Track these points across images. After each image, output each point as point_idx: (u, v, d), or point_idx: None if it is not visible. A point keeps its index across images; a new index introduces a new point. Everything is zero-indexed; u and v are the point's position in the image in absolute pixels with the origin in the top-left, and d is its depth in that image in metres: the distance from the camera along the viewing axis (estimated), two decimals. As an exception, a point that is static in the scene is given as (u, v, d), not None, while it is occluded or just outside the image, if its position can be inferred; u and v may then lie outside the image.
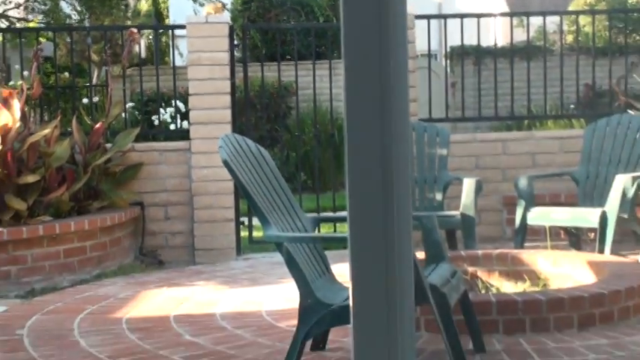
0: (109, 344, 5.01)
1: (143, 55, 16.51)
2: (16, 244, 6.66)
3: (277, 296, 5.88)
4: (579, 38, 12.65)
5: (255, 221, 7.80)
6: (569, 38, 18.28)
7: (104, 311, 5.82)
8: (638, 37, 16.30)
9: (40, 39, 9.36)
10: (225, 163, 4.46)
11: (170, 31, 13.13)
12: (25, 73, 8.37)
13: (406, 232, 1.86)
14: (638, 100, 8.89)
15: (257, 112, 11.78)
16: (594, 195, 7.13)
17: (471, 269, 5.88)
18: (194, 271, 7.30)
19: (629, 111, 8.18)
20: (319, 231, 5.62)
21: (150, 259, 7.70)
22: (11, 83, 7.90)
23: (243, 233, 8.24)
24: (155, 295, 6.29)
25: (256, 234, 7.96)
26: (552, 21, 11.99)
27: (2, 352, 4.91)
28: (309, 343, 4.56)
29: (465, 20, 8.92)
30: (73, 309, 5.86)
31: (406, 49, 1.72)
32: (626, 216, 6.73)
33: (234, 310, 5.75)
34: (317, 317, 4.31)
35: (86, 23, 11.84)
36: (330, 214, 8.57)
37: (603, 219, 6.62)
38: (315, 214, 6.50)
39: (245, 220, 8.24)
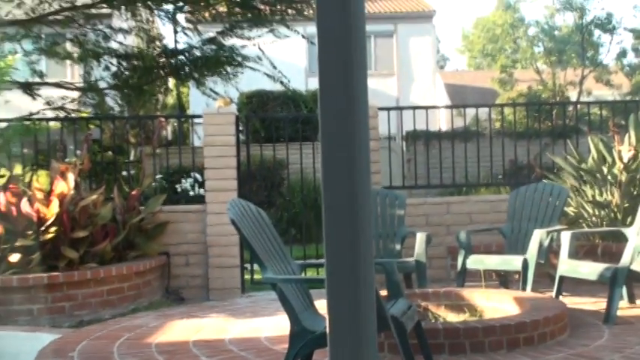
0: (141, 364, 4.97)
1: (169, 137, 16.56)
2: (69, 285, 6.62)
3: (273, 325, 5.85)
4: (504, 125, 12.79)
5: (256, 267, 7.80)
6: (497, 124, 18.50)
7: (138, 337, 5.76)
8: (549, 124, 16.49)
9: (90, 126, 9.40)
10: (232, 222, 4.48)
11: (190, 119, 13.21)
12: (78, 152, 8.39)
13: (370, 272, 1.87)
14: (550, 172, 8.96)
15: (257, 182, 11.81)
16: (518, 245, 7.15)
17: (423, 303, 5.88)
18: (208, 305, 7.26)
19: (544, 180, 8.24)
20: (305, 274, 5.62)
21: (174, 297, 7.66)
22: (67, 160, 7.89)
23: (247, 276, 8.22)
24: (178, 324, 6.24)
25: (256, 277, 7.94)
26: (483, 111, 12.15)
27: (57, 370, 4.86)
28: (297, 362, 4.54)
29: (417, 111, 9.03)
30: (114, 336, 5.81)
31: (367, 131, 1.74)
32: (542, 261, 6.75)
33: (239, 336, 5.71)
34: (303, 341, 4.30)
35: (125, 114, 11.89)
36: (314, 260, 8.56)
37: (525, 264, 6.64)
38: (302, 261, 6.49)
39: (248, 266, 8.23)
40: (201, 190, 8.82)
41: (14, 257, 6.51)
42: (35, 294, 6.48)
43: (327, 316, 1.87)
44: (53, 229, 6.69)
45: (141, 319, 6.47)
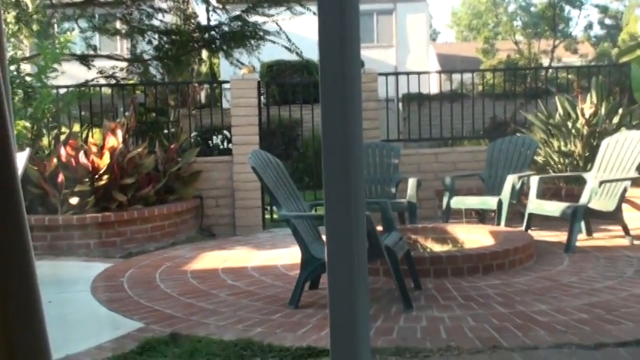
0: (179, 286, 5.03)
1: (203, 100, 16.50)
2: (120, 223, 6.68)
3: (288, 256, 5.91)
4: (485, 88, 12.65)
5: (274, 208, 7.84)
6: (480, 88, 18.31)
7: (176, 266, 5.84)
8: (524, 86, 16.26)
9: (136, 91, 9.38)
10: (253, 169, 4.49)
11: (220, 85, 13.14)
12: (126, 113, 8.38)
13: (361, 207, 1.89)
14: (523, 127, 8.88)
15: (276, 138, 11.78)
16: (494, 188, 7.14)
17: (413, 237, 5.90)
18: (235, 240, 7.32)
19: (517, 134, 8.18)
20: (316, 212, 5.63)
21: (206, 233, 7.72)
22: (117, 120, 7.90)
23: (267, 216, 8.25)
24: (209, 255, 6.31)
25: (275, 216, 7.98)
26: (468, 77, 12.00)
27: (110, 292, 4.93)
28: (308, 284, 4.59)
29: (411, 76, 8.95)
30: (156, 265, 5.89)
31: (360, 90, 1.74)
32: (514, 201, 6.75)
33: (260, 264, 5.77)
34: (312, 267, 4.34)
35: (165, 80, 11.84)
36: (321, 200, 8.56)
37: (499, 203, 6.64)
38: (311, 202, 6.50)
39: (268, 207, 8.26)
40: (229, 145, 8.83)
41: (73, 200, 6.56)
42: (91, 231, 6.55)
43: (326, 246, 1.90)
44: (105, 176, 6.72)
45: (179, 251, 6.55)
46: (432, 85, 11.12)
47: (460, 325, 3.86)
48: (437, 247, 5.73)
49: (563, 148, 7.93)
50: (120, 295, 4.80)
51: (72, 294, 4.87)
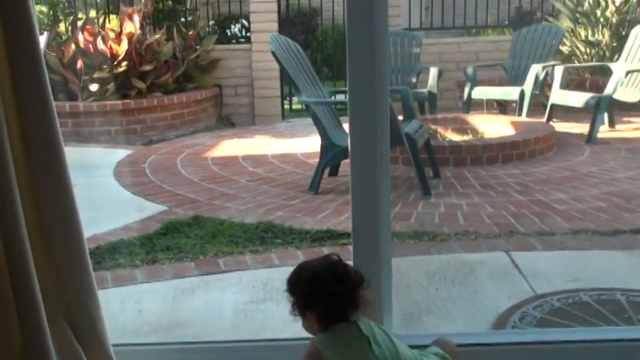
0: (200, 172, 5.10)
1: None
2: (140, 111, 6.67)
3: (307, 144, 5.89)
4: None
5: (294, 99, 7.81)
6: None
7: (196, 153, 5.89)
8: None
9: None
10: (273, 53, 4.43)
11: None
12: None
13: (385, 93, 1.88)
14: (549, 16, 8.60)
15: (295, 27, 11.53)
16: (517, 79, 6.99)
17: (433, 127, 5.88)
18: (254, 129, 7.31)
19: (543, 22, 7.93)
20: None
21: (226, 122, 7.70)
22: (133, 6, 7.74)
23: (286, 106, 8.21)
24: (229, 143, 6.34)
25: (294, 106, 7.95)
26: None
27: (133, 177, 5.02)
28: (327, 172, 4.62)
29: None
30: (177, 151, 5.94)
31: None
32: (537, 92, 6.62)
33: (280, 152, 5.80)
34: (332, 154, 4.36)
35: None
36: (342, 88, 8.49)
37: (522, 93, 6.54)
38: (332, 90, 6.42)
39: (287, 97, 8.20)
40: (248, 34, 8.67)
41: (93, 87, 6.55)
42: (112, 118, 6.58)
43: (349, 131, 1.90)
44: (124, 63, 6.66)
45: (199, 139, 6.58)
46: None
47: (478, 212, 3.91)
48: (457, 137, 5.71)
49: (590, 38, 7.70)
50: (143, 180, 4.88)
51: (96, 178, 4.97)
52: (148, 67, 6.81)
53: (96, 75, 6.56)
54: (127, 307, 2.74)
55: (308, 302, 1.59)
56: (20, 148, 1.60)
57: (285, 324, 2.50)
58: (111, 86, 6.59)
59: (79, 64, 6.48)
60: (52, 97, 1.61)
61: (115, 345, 1.82)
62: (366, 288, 1.60)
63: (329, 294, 1.57)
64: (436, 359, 1.64)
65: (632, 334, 2.06)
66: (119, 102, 6.56)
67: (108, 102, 6.53)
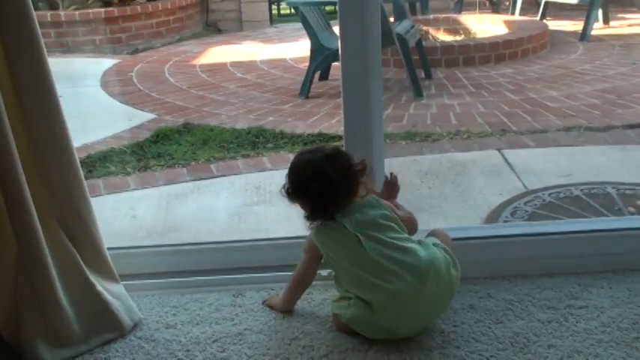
0: (188, 80, 5.02)
1: None
2: (124, 19, 6.49)
3: (296, 49, 5.79)
4: None
5: (282, 4, 7.61)
6: None
7: (184, 60, 5.77)
8: None
9: None
10: (257, -47, 4.26)
11: None
12: None
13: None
14: None
15: None
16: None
17: (425, 28, 5.77)
18: (242, 35, 7.14)
19: None
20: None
21: (212, 28, 7.53)
22: None
23: (274, 11, 8.01)
24: (217, 50, 6.21)
25: (283, 11, 7.76)
26: None
27: (120, 86, 4.93)
28: (317, 76, 4.55)
29: None
30: (164, 60, 5.81)
31: None
32: (531, -10, 6.48)
33: (268, 58, 5.69)
34: (321, 57, 4.28)
35: None
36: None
37: (515, -8, 6.39)
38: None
39: (275, 1, 7.99)
40: None
41: (75, -5, 6.34)
42: (96, 26, 6.40)
43: (339, 32, 1.85)
44: (104, -30, 6.43)
45: (186, 47, 6.44)
46: None
47: (470, 112, 3.89)
48: (449, 38, 5.61)
49: None
50: (130, 89, 4.81)
51: (83, 88, 4.88)
52: (129, -28, 6.57)
53: (75, -19, 6.34)
54: (120, 213, 2.75)
55: (292, 192, 1.65)
56: (3, 56, 1.55)
57: (279, 225, 2.53)
58: (92, -7, 6.38)
59: (58, -31, 6.25)
60: (32, 6, 1.55)
61: (110, 249, 1.83)
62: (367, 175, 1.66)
63: (309, 191, 1.62)
64: (435, 248, 1.66)
65: (621, 223, 2.08)
66: (102, 10, 6.37)
67: (90, 10, 6.34)
